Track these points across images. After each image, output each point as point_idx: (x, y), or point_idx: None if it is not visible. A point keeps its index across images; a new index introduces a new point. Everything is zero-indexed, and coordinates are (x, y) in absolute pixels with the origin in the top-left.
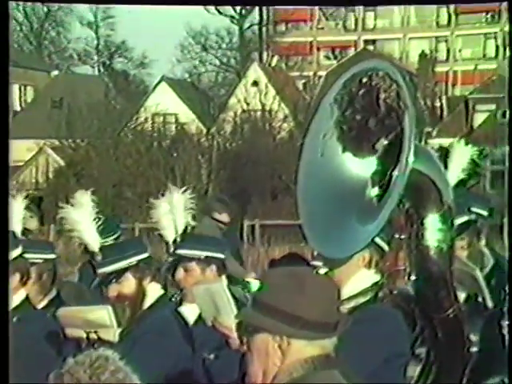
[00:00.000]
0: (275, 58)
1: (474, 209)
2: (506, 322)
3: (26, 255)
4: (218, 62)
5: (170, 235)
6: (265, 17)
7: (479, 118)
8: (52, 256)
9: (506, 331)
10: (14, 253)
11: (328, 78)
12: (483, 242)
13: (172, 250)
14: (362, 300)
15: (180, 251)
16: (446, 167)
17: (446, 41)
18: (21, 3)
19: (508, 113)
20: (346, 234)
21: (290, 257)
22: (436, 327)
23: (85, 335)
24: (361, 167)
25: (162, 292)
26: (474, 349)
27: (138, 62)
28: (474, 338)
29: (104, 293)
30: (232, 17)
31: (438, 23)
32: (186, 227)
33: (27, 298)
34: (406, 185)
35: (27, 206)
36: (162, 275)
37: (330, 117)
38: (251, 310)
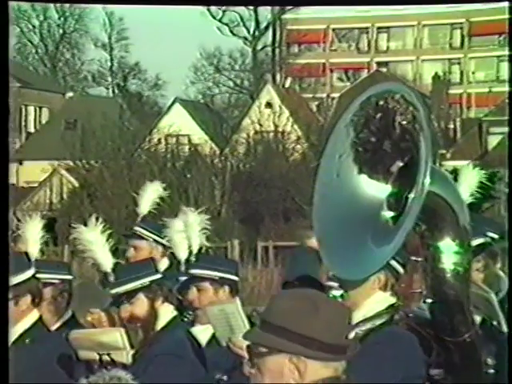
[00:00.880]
0: (288, 80)
1: (486, 233)
2: None
3: (40, 275)
4: (231, 84)
5: (182, 254)
6: (278, 38)
7: (493, 141)
8: (68, 277)
9: None
10: (27, 274)
11: (341, 100)
12: (499, 265)
13: (184, 269)
14: (377, 322)
15: (193, 271)
16: None
17: (459, 63)
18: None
19: None
20: (361, 256)
21: (304, 279)
22: (452, 351)
23: (97, 357)
24: (376, 189)
25: (174, 313)
26: (491, 371)
27: (151, 84)
28: (490, 361)
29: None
30: (245, 38)
31: (451, 45)
32: (200, 248)
33: (40, 318)
34: (421, 207)
35: (42, 226)
36: (174, 295)
37: (345, 138)
38: (261, 331)
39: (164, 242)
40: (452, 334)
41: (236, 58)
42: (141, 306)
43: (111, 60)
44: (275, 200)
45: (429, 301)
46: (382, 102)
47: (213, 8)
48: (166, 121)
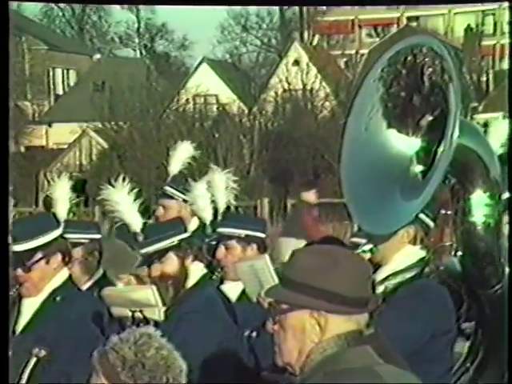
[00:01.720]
0: (316, 37)
1: None
2: None
3: (68, 235)
4: (258, 43)
5: (207, 217)
6: None
7: None
8: (98, 236)
9: None
10: (54, 233)
11: (371, 56)
12: None
13: (212, 228)
14: (407, 276)
15: (221, 230)
16: None
17: (494, 14)
18: None
19: None
20: (390, 210)
21: (328, 240)
22: (483, 304)
23: (130, 314)
24: (405, 144)
25: (204, 271)
26: None
27: (178, 44)
28: None
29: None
30: None
31: None
32: (228, 207)
33: (70, 277)
34: (451, 160)
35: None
36: (204, 253)
37: (374, 94)
38: (282, 288)
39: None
40: (483, 287)
41: (263, 16)
42: (171, 264)
43: (138, 21)
44: (304, 158)
45: (459, 253)
46: (410, 57)
47: None
48: (193, 81)
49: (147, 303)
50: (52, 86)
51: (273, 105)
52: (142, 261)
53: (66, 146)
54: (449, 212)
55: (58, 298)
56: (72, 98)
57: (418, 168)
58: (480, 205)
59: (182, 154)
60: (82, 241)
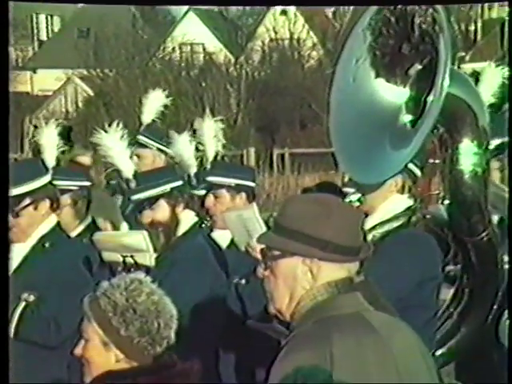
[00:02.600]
0: None
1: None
2: None
3: (56, 182)
4: None
5: (192, 169)
6: None
7: None
8: (87, 183)
9: None
10: (43, 180)
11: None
12: None
13: (195, 181)
14: (395, 224)
15: (210, 178)
16: None
17: None
18: None
19: None
20: (378, 160)
21: (323, 185)
22: (469, 251)
23: (121, 259)
24: (394, 93)
25: (195, 219)
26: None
27: None
28: (506, 257)
29: (138, 219)
30: None
31: None
32: (216, 155)
33: (59, 224)
34: (440, 109)
35: (59, 134)
36: (195, 202)
37: (362, 43)
38: (274, 234)
39: (167, 150)
40: (469, 234)
41: None
42: (162, 211)
43: None
44: (291, 107)
45: (446, 202)
46: (400, 5)
47: None
48: (179, 29)
49: (138, 248)
50: (36, 31)
51: (260, 54)
52: (133, 207)
53: (51, 93)
54: (437, 161)
55: (46, 245)
56: (57, 44)
57: (407, 117)
58: (468, 153)
59: (154, 102)
60: (71, 187)
